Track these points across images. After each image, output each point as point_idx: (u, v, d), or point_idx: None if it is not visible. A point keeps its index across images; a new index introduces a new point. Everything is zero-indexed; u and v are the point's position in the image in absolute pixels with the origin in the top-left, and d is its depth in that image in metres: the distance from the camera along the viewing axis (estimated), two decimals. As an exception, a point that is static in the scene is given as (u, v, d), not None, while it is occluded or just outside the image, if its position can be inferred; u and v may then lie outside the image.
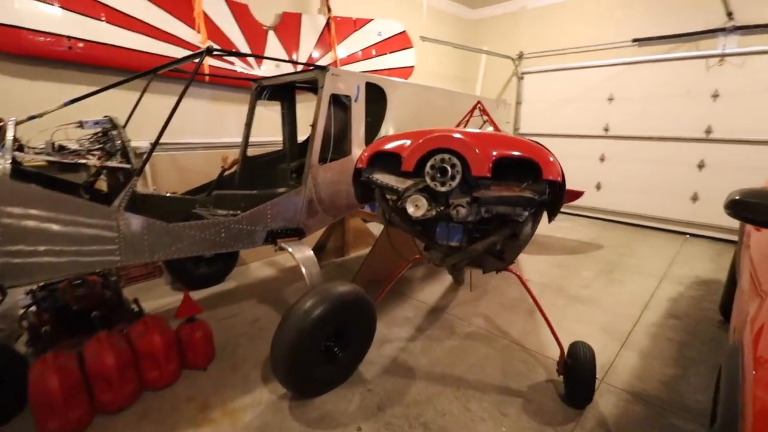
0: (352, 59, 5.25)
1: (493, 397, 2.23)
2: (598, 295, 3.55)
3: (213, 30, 3.96)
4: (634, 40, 5.35)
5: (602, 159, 5.97)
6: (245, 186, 3.15)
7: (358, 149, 2.82)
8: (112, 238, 1.81)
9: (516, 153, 1.64)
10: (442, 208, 1.75)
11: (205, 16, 3.89)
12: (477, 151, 1.64)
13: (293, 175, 3.49)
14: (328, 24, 4.95)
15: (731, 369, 1.17)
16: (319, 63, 4.85)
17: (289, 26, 4.61)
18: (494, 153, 1.63)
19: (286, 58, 4.59)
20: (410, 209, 1.73)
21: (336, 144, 2.75)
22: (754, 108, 4.64)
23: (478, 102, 3.43)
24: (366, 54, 5.42)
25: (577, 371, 2.11)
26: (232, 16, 4.09)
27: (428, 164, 1.74)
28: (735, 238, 4.95)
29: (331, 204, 2.72)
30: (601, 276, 3.99)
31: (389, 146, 1.89)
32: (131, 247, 1.87)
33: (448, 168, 1.69)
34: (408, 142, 1.81)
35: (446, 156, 1.69)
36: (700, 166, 5.14)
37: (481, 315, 3.16)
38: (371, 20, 5.45)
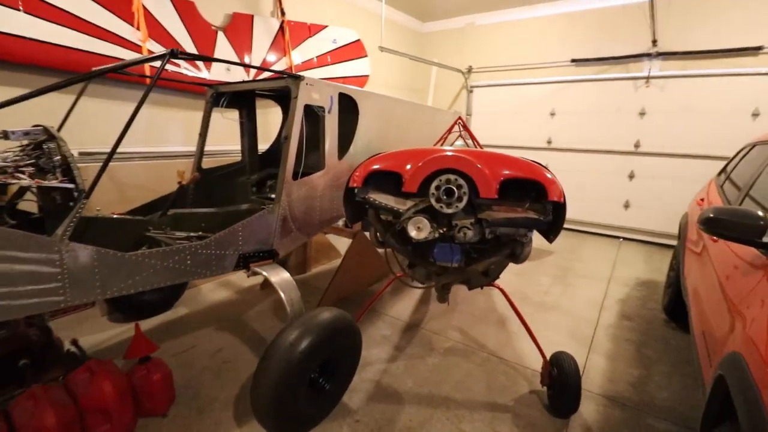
0: (307, 66, 5.05)
1: (483, 415, 2.20)
2: (558, 300, 3.72)
3: (154, 27, 3.56)
4: (572, 60, 5.79)
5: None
6: (201, 202, 2.84)
7: (332, 163, 2.67)
8: (54, 275, 1.48)
9: (522, 174, 1.63)
10: (444, 229, 1.68)
11: (146, 11, 3.48)
12: (485, 172, 1.60)
13: (254, 189, 3.24)
14: (282, 28, 4.72)
15: (741, 378, 1.23)
16: (273, 68, 4.61)
17: (240, 28, 4.32)
18: (501, 174, 1.60)
19: (256, 64, 4.28)
20: (413, 232, 1.64)
21: (309, 158, 2.58)
22: (673, 125, 5.24)
23: (459, 117, 3.45)
24: (321, 61, 5.25)
25: (564, 382, 2.15)
26: (176, 14, 3.71)
27: (433, 185, 1.66)
28: (661, 240, 5.55)
29: (305, 221, 2.54)
30: (557, 282, 4.21)
31: (386, 165, 1.78)
32: (79, 284, 1.55)
33: (455, 189, 1.63)
34: (407, 162, 1.71)
35: (452, 176, 1.63)
36: (631, 176, 5.69)
37: (456, 328, 3.15)
38: (326, 27, 5.30)
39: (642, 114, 5.44)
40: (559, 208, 1.68)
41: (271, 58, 4.59)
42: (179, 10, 3.72)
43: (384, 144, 3.31)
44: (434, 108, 4.75)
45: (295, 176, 2.41)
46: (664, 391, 2.47)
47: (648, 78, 5.22)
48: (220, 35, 4.10)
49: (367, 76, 5.98)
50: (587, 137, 5.91)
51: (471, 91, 6.84)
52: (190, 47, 3.82)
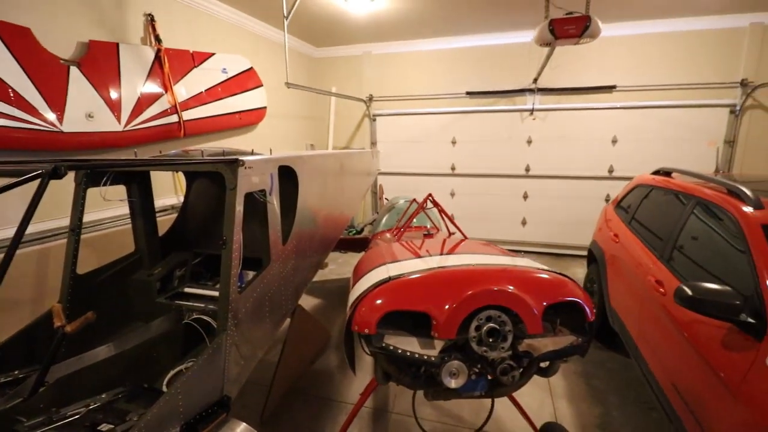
0: (196, 101, 4.22)
1: None
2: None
3: (-35, 64, 2.45)
4: (467, 93, 6.13)
5: (452, 194, 6.63)
6: (88, 333, 1.98)
7: (277, 252, 2.15)
8: None
9: (563, 298, 1.45)
10: (479, 367, 1.40)
11: (-54, 41, 2.36)
12: (530, 304, 1.36)
13: (159, 285, 2.45)
14: (158, 57, 3.81)
15: None
16: (154, 105, 3.70)
17: (101, 60, 3.32)
18: (544, 301, 1.40)
19: (128, 103, 3.28)
20: (450, 383, 1.32)
21: (251, 252, 2.02)
22: (555, 151, 5.96)
23: (429, 195, 3.22)
24: (212, 94, 4.46)
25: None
26: (3, 45, 2.62)
27: (472, 326, 1.36)
28: (555, 251, 6.25)
29: (256, 338, 1.97)
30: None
31: (408, 304, 1.39)
32: None
33: (498, 328, 1.35)
34: (435, 298, 1.35)
35: (494, 313, 1.35)
36: (525, 196, 6.29)
37: (426, 403, 2.90)
38: (212, 54, 4.52)
39: (529, 142, 6.06)
40: (593, 324, 1.57)
41: (148, 93, 3.67)
42: (6, 40, 2.64)
43: (325, 208, 2.88)
44: (359, 151, 4.44)
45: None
46: (625, 426, 2.64)
47: (533, 110, 5.83)
48: (74, 71, 3.07)
49: (264, 108, 5.35)
50: (486, 163, 6.34)
51: (374, 120, 6.72)
52: (27, 89, 2.75)
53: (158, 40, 3.85)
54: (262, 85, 5.26)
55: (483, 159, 6.33)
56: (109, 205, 2.36)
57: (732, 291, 1.76)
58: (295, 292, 2.46)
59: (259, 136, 5.44)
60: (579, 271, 5.40)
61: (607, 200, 5.81)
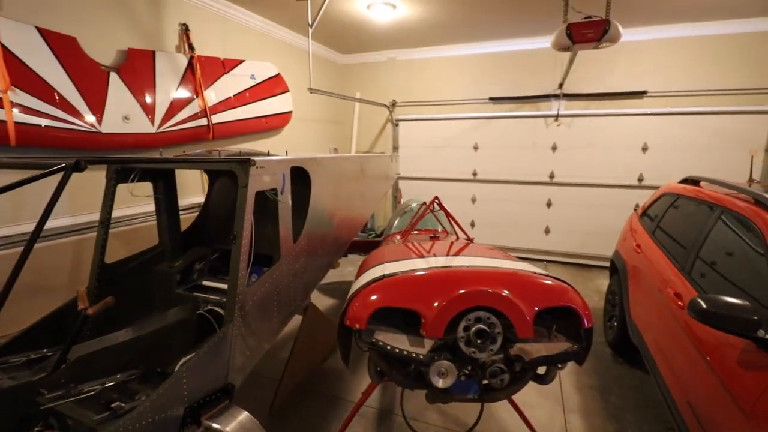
0: (225, 105, 4.43)
1: None
2: (516, 348, 3.73)
3: (19, 71, 2.70)
4: (490, 98, 6.09)
5: (474, 200, 6.57)
6: (110, 317, 2.14)
7: (287, 249, 2.23)
8: None
9: (556, 303, 1.44)
10: (469, 368, 1.41)
11: (4, 50, 2.62)
12: (520, 308, 1.36)
13: (179, 278, 2.59)
14: (191, 64, 4.05)
15: None
16: (185, 109, 3.92)
17: (138, 66, 3.56)
18: (535, 306, 1.40)
19: (162, 106, 3.51)
20: (438, 383, 1.34)
21: (262, 249, 2.11)
22: (581, 158, 5.80)
23: (436, 197, 3.25)
24: (240, 99, 4.67)
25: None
26: (51, 53, 2.88)
27: (461, 326, 1.38)
28: (580, 261, 6.06)
29: (263, 330, 2.06)
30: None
31: (398, 301, 1.44)
32: None
33: (487, 329, 1.36)
34: (424, 296, 1.39)
35: (483, 314, 1.37)
36: (549, 204, 6.14)
37: (432, 408, 2.89)
38: (242, 61, 4.74)
39: (554, 148, 5.93)
40: (590, 331, 1.55)
41: (180, 98, 3.89)
42: (55, 48, 2.89)
43: (338, 210, 2.95)
44: (376, 155, 4.53)
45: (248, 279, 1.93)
46: (641, 446, 2.53)
47: (557, 116, 5.71)
48: (113, 76, 3.32)
49: (290, 112, 5.53)
50: (508, 169, 6.25)
51: (397, 125, 6.79)
52: (71, 93, 3.00)
53: (191, 48, 4.08)
54: (288, 91, 5.45)
55: (505, 165, 6.25)
56: (140, 201, 2.53)
57: (750, 306, 1.67)
58: (305, 289, 2.53)
59: (285, 140, 5.63)
60: (603, 283, 5.20)
61: (636, 210, 5.58)
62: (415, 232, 3.18)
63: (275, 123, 5.31)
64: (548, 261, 6.28)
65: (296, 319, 2.94)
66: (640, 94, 5.36)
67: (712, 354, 1.90)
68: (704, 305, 1.72)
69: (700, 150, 5.26)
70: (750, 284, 1.97)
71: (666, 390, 2.34)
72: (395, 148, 6.89)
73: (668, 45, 5.23)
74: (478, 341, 1.40)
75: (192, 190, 4.23)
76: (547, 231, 6.24)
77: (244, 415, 1.74)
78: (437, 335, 1.42)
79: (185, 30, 4.08)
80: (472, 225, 6.66)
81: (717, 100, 5.14)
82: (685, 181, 3.35)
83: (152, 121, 3.58)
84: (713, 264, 2.30)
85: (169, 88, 3.81)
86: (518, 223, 6.35)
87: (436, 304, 1.42)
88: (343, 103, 6.87)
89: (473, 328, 1.40)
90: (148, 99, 3.61)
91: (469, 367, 1.44)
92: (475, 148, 6.39)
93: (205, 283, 2.61)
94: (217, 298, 2.39)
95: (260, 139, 5.21)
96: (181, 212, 3.50)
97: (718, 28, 4.98)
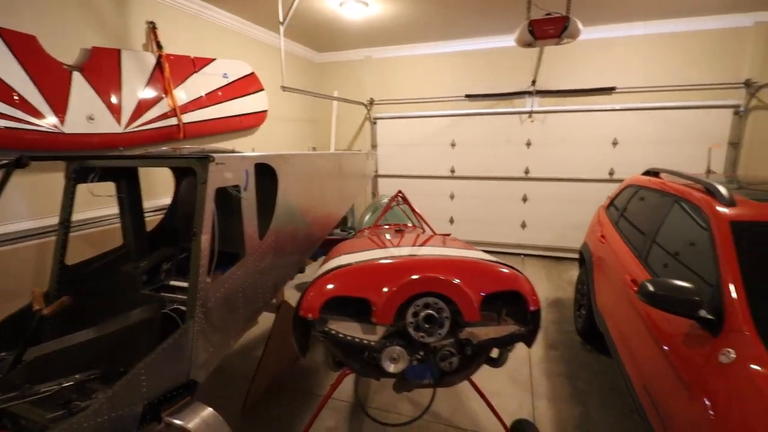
0: (196, 104, 4.38)
1: None
2: (490, 340, 3.80)
3: (-27, 70, 2.63)
4: (466, 96, 6.17)
5: (452, 197, 6.65)
6: (69, 319, 2.11)
7: (252, 246, 2.24)
8: None
9: (502, 287, 1.49)
10: (421, 353, 1.45)
11: (-44, 48, 2.55)
12: (467, 293, 1.41)
13: (145, 278, 2.57)
14: (159, 63, 3.99)
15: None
16: (154, 109, 3.87)
17: (102, 65, 3.50)
18: (482, 291, 1.44)
19: (129, 106, 3.45)
20: (390, 367, 1.37)
21: (222, 243, 2.11)
22: (554, 154, 5.93)
23: (399, 192, 3.28)
24: (212, 98, 4.62)
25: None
26: (9, 51, 2.81)
27: (409, 311, 1.41)
28: (555, 254, 6.19)
29: (228, 326, 2.06)
30: (483, 315, 4.32)
31: (349, 290, 1.47)
32: None
33: (435, 314, 1.40)
34: (374, 285, 1.42)
35: (431, 300, 1.41)
36: (524, 199, 6.26)
37: (403, 398, 2.94)
38: (213, 60, 4.69)
39: (528, 144, 6.05)
40: (537, 313, 1.60)
41: (147, 98, 3.84)
42: (13, 46, 2.82)
43: (308, 207, 2.96)
44: (350, 153, 4.54)
45: (209, 275, 1.93)
46: (604, 428, 2.62)
47: (531, 113, 5.83)
48: (77, 76, 3.26)
49: (265, 111, 5.50)
50: (485, 165, 6.35)
51: (374, 123, 6.82)
52: (31, 93, 2.93)
53: (159, 46, 4.03)
54: (263, 89, 5.42)
55: (482, 161, 6.34)
56: (107, 203, 2.49)
57: (693, 288, 1.75)
58: (274, 286, 2.53)
59: (262, 139, 5.59)
60: (576, 275, 5.33)
61: (607, 203, 5.73)
62: (387, 226, 3.21)
63: (250, 122, 5.28)
64: (525, 255, 6.40)
65: (271, 318, 2.95)
66: (609, 90, 5.50)
67: (662, 337, 1.98)
68: (652, 288, 1.80)
69: (667, 144, 5.44)
70: (699, 267, 2.06)
71: (626, 374, 2.43)
72: (374, 146, 6.91)
73: (635, 42, 5.39)
74: (426, 326, 1.44)
75: (163, 190, 4.17)
76: (524, 225, 6.36)
77: (207, 411, 1.75)
78: (387, 321, 1.46)
79: (152, 28, 4.01)
80: (451, 221, 6.74)
81: (682, 95, 5.32)
82: (647, 173, 3.47)
83: (119, 121, 3.52)
84: (667, 250, 2.40)
85: (136, 87, 3.75)
86: (495, 218, 6.46)
87: (385, 290, 1.47)
88: (321, 102, 6.86)
89: (422, 314, 1.45)
90: (114, 98, 3.55)
91: (421, 353, 1.48)
92: (453, 145, 6.47)
93: (172, 283, 2.60)
94: (184, 297, 2.38)
95: (235, 139, 5.17)
96: (153, 213, 3.48)
97: (686, 25, 5.16)
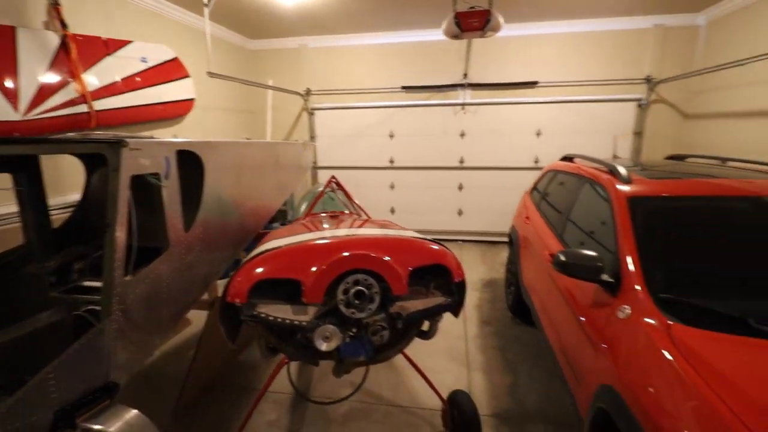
0: (110, 90, 4.00)
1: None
2: (430, 321, 3.96)
3: None
4: (403, 87, 6.28)
5: (392, 187, 6.77)
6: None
7: (177, 237, 2.11)
8: None
9: (428, 261, 1.55)
10: (354, 330, 1.47)
11: None
12: (395, 268, 1.45)
13: (53, 280, 2.32)
14: (64, 44, 3.58)
15: (620, 408, 1.44)
16: (59, 94, 3.47)
17: (-8, 43, 3.07)
18: (409, 265, 1.49)
19: (27, 91, 3.03)
20: (322, 346, 1.37)
21: (145, 239, 1.97)
22: (486, 144, 6.27)
23: (333, 177, 3.24)
24: (129, 84, 4.24)
25: (465, 424, 2.23)
26: None
27: (340, 289, 1.42)
28: (490, 239, 6.56)
29: (152, 324, 1.93)
30: (424, 299, 4.48)
31: (277, 272, 1.44)
32: None
33: (365, 290, 1.43)
34: (302, 264, 1.41)
35: (361, 277, 1.42)
36: (460, 188, 6.55)
37: (344, 383, 2.96)
38: (129, 42, 4.30)
39: (462, 135, 6.32)
40: (462, 285, 1.69)
41: (50, 82, 3.43)
42: None
43: (239, 198, 2.85)
44: (285, 143, 4.42)
45: (127, 270, 1.80)
46: (530, 395, 2.86)
47: (463, 105, 6.09)
48: (-44, 54, 2.82)
49: (192, 99, 5.17)
50: (423, 156, 6.53)
51: (312, 114, 6.70)
52: None
53: (64, 25, 3.61)
54: (188, 76, 5.08)
55: (420, 152, 6.52)
56: (5, 199, 2.20)
57: (596, 255, 1.97)
58: (204, 281, 2.42)
59: (190, 129, 5.25)
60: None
61: (534, 189, 6.18)
62: (323, 215, 3.20)
63: (175, 111, 4.94)
64: (462, 240, 6.71)
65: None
66: (532, 84, 5.91)
67: (574, 304, 2.20)
68: (563, 258, 1.99)
69: (582, 134, 5.98)
70: (603, 238, 2.31)
71: (547, 341, 2.67)
72: (312, 138, 6.80)
73: (555, 39, 5.83)
74: (357, 302, 1.48)
75: (72, 184, 3.78)
76: (460, 213, 6.66)
77: (131, 414, 1.64)
78: (317, 300, 1.47)
79: (55, 5, 3.58)
80: (392, 211, 6.86)
81: (597, 89, 5.86)
82: (564, 158, 3.80)
83: (15, 107, 3.12)
84: (578, 225, 2.66)
85: (37, 70, 3.33)
86: (434, 206, 6.69)
87: (314, 269, 1.47)
88: (255, 92, 6.59)
89: (352, 291, 1.48)
90: (9, 82, 3.13)
91: (354, 329, 1.52)
92: (391, 136, 6.57)
93: (86, 283, 2.38)
94: (99, 297, 2.19)
95: (159, 128, 4.81)
96: (61, 210, 3.13)
97: (597, 25, 5.67)
